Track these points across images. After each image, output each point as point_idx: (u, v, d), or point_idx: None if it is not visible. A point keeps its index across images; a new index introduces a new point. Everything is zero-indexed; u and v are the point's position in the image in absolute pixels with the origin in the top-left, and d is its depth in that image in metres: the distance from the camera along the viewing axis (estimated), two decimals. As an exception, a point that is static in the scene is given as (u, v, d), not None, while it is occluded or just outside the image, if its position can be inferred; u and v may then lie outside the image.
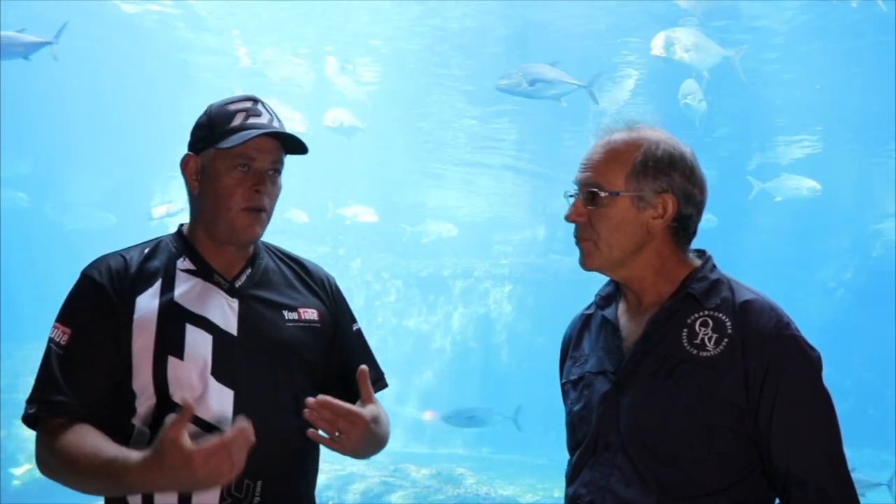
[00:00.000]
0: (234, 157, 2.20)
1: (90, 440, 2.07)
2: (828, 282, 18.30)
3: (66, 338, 2.17)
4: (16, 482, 11.61)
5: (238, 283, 2.29)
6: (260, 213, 2.24)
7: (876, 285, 17.23)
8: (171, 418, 1.90)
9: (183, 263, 2.28)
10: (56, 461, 2.09)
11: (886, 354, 16.05)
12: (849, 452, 2.04)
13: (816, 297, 17.86)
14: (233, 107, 2.26)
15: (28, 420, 2.18)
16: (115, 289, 2.20)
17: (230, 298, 2.26)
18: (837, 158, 15.09)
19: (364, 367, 2.23)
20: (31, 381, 2.22)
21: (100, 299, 2.18)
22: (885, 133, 13.80)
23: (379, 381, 2.51)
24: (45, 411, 2.13)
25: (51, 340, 2.18)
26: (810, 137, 14.95)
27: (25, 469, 11.61)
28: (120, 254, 2.28)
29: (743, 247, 16.08)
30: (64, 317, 2.20)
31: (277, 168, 2.27)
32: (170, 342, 2.18)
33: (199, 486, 1.94)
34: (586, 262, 2.19)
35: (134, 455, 1.95)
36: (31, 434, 2.19)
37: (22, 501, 11.24)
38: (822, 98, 12.91)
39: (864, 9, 10.23)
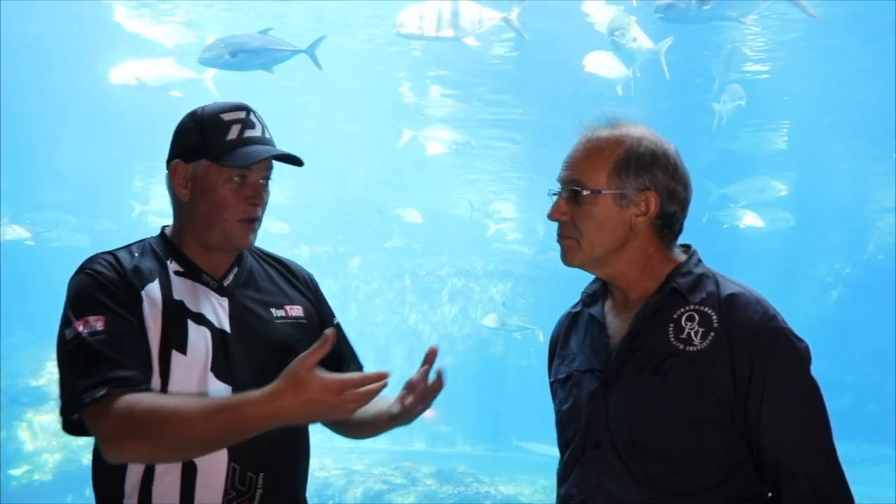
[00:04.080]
0: (232, 170, 2.25)
1: (180, 395, 2.10)
2: (826, 277, 18.30)
3: (100, 324, 2.12)
4: (15, 483, 11.63)
5: (226, 283, 2.33)
6: (254, 222, 2.30)
7: (875, 280, 17.22)
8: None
9: (171, 265, 2.31)
10: (146, 424, 2.02)
11: (886, 349, 16.06)
12: (848, 447, 2.03)
13: (816, 293, 17.88)
14: (227, 117, 2.28)
15: (90, 408, 2.06)
16: (124, 280, 2.22)
17: (220, 297, 2.30)
18: (836, 153, 15.07)
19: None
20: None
21: (116, 288, 2.19)
22: (884, 128, 13.76)
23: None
24: (118, 388, 2.05)
25: (79, 335, 2.11)
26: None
27: (25, 470, 11.64)
28: (111, 253, 2.30)
29: (741, 242, 16.08)
30: (89, 309, 2.15)
31: (269, 176, 2.33)
32: (175, 337, 2.20)
33: (326, 414, 1.99)
34: (567, 259, 2.20)
35: (253, 392, 1.99)
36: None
37: (21, 502, 11.27)
38: (822, 92, 12.87)
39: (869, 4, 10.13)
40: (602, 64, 10.09)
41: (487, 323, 15.25)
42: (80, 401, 2.05)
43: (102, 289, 2.17)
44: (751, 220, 15.56)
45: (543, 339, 14.39)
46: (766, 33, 11.15)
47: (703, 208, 14.78)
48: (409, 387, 2.24)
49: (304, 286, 2.48)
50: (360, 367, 2.55)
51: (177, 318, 2.22)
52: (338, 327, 2.53)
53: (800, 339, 2.07)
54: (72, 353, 2.11)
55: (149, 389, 2.10)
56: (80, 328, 2.11)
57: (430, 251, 19.82)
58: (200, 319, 2.24)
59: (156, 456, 2.11)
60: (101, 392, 2.04)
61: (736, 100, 11.22)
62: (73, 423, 2.14)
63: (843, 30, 10.94)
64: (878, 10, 10.22)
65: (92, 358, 2.08)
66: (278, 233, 17.43)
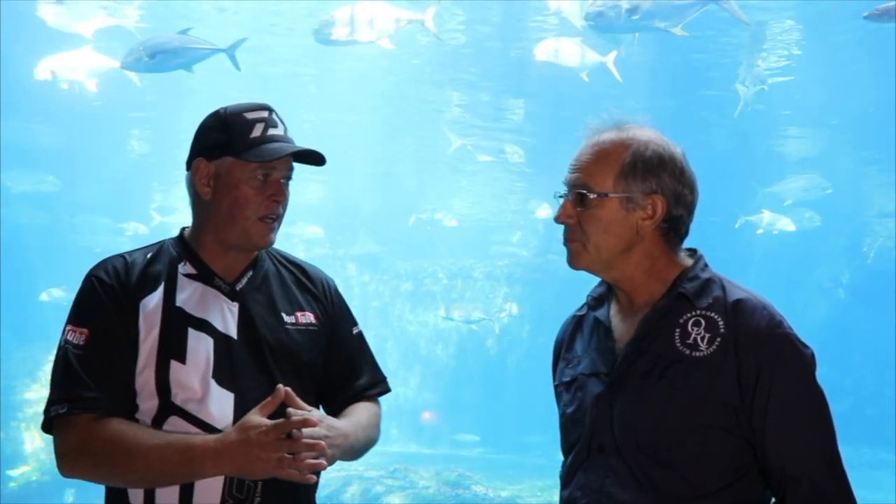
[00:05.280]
0: (256, 167, 2.26)
1: (141, 427, 2.18)
2: (826, 281, 18.32)
3: (83, 338, 2.21)
4: (13, 484, 11.62)
5: (238, 287, 2.33)
6: (275, 221, 2.31)
7: (874, 285, 17.25)
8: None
9: (184, 268, 2.32)
10: (102, 452, 2.15)
11: (885, 354, 16.10)
12: (847, 451, 2.04)
13: (815, 297, 17.89)
14: (250, 115, 2.30)
15: (55, 420, 2.19)
16: (124, 289, 2.25)
17: (230, 302, 2.31)
18: (835, 157, 15.08)
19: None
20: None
21: (111, 298, 2.23)
22: (884, 132, 13.77)
23: (380, 385, 2.55)
24: (78, 408, 2.16)
25: (67, 343, 2.21)
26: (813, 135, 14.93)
27: (23, 471, 11.63)
28: (123, 256, 2.33)
29: (742, 247, 16.08)
30: (78, 318, 2.24)
31: (290, 176, 2.34)
32: (173, 346, 2.22)
33: (262, 458, 2.11)
34: (573, 262, 2.19)
35: (210, 434, 2.15)
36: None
37: (20, 502, 11.27)
38: (824, 95, 12.87)
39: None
40: (558, 51, 9.88)
41: (443, 314, 15.10)
42: (48, 412, 2.19)
43: (97, 299, 2.23)
44: (782, 223, 15.33)
45: (499, 331, 14.47)
46: (771, 40, 11.17)
47: (732, 210, 14.76)
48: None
49: (320, 292, 2.47)
50: (376, 380, 2.54)
51: (176, 326, 2.24)
52: (358, 337, 2.53)
53: (805, 346, 2.07)
54: (57, 361, 2.23)
55: (113, 413, 2.17)
56: (69, 336, 2.22)
57: (430, 253, 19.82)
58: (202, 326, 2.25)
59: (106, 480, 2.22)
60: (63, 409, 2.17)
61: (758, 84, 11.06)
62: (48, 424, 2.24)
63: (844, 35, 10.96)
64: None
65: (67, 371, 2.19)
66: (312, 237, 17.42)
